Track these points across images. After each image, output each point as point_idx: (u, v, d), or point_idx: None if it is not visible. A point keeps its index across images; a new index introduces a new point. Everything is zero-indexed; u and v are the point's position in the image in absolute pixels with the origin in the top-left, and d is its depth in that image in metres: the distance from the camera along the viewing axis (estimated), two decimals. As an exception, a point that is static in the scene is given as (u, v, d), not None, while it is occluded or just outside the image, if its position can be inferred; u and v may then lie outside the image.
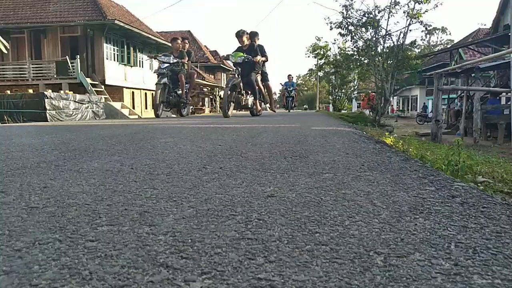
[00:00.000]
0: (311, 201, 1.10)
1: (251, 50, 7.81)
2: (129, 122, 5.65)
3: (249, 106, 8.33)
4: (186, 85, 8.71)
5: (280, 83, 17.30)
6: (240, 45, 7.99)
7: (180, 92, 8.50)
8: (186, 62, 8.45)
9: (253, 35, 8.23)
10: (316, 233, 0.85)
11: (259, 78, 8.24)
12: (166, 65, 7.99)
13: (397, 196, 1.16)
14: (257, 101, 8.30)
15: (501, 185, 1.79)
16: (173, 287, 0.60)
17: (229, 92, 7.29)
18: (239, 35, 7.95)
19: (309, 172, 1.50)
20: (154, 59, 8.65)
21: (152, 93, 15.23)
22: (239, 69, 7.58)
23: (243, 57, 7.59)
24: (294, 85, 17.36)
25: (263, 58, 8.21)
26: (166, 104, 8.31)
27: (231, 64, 8.46)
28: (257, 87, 8.04)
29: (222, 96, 7.57)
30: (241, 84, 7.68)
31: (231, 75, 7.71)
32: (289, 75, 17.22)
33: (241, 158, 1.85)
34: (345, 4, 12.41)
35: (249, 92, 8.11)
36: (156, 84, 7.94)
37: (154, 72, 8.63)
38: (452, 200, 1.13)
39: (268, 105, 9.53)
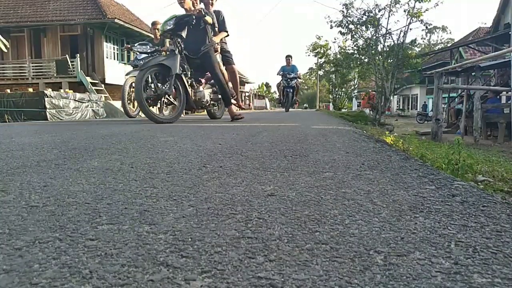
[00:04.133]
0: (311, 200, 1.10)
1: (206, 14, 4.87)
2: (129, 121, 5.65)
3: (206, 103, 5.39)
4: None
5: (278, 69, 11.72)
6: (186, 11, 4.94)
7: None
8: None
9: None
10: (316, 232, 0.85)
11: (218, 58, 5.33)
12: (144, 55, 6.27)
13: (397, 195, 1.16)
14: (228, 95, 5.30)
15: (501, 184, 1.79)
16: (173, 286, 0.60)
17: (142, 81, 4.17)
18: None
19: (309, 171, 1.50)
20: (131, 50, 6.98)
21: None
22: (180, 41, 4.63)
23: (176, 18, 4.52)
24: (295, 70, 11.62)
25: (224, 34, 5.39)
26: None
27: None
28: (219, 74, 5.07)
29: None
30: (186, 66, 4.76)
31: (157, 53, 4.73)
32: (288, 56, 11.69)
33: (241, 157, 1.85)
34: (345, 3, 12.41)
35: (201, 81, 5.31)
36: (126, 76, 6.07)
37: (129, 64, 6.84)
38: (452, 199, 1.13)
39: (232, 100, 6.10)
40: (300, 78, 12.46)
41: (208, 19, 4.78)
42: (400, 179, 1.39)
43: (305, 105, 53.02)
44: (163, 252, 0.73)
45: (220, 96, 5.57)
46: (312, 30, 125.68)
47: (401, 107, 41.23)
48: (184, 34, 4.75)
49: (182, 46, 4.68)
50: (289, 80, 11.47)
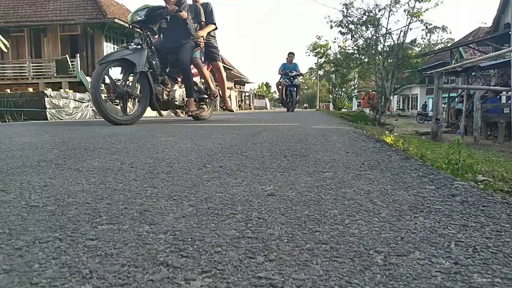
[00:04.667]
0: (311, 200, 1.10)
1: (182, 9, 4.44)
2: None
3: (181, 104, 4.85)
4: None
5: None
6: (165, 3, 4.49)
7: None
8: None
9: None
10: (316, 231, 0.85)
11: (198, 54, 4.83)
12: None
13: (397, 195, 1.16)
14: (197, 94, 4.98)
15: (501, 184, 1.79)
16: (173, 285, 0.60)
17: (100, 78, 3.72)
18: None
19: (309, 171, 1.50)
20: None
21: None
22: (149, 35, 4.26)
23: (148, 9, 4.17)
24: (297, 67, 11.25)
25: (212, 27, 4.99)
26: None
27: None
28: (187, 62, 4.61)
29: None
30: (154, 62, 4.25)
31: (126, 44, 4.28)
32: (291, 53, 11.26)
33: (241, 156, 1.85)
34: (345, 3, 12.40)
35: (178, 79, 4.82)
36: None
37: None
38: (452, 199, 1.13)
39: (218, 99, 5.59)
40: (302, 75, 12.06)
41: (183, 14, 4.39)
42: (400, 179, 1.39)
43: (305, 105, 53.14)
44: (163, 252, 0.73)
45: (204, 96, 5.25)
46: (312, 30, 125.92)
47: (401, 107, 41.23)
48: (155, 27, 4.40)
49: (152, 40, 4.29)
50: (292, 78, 10.97)
